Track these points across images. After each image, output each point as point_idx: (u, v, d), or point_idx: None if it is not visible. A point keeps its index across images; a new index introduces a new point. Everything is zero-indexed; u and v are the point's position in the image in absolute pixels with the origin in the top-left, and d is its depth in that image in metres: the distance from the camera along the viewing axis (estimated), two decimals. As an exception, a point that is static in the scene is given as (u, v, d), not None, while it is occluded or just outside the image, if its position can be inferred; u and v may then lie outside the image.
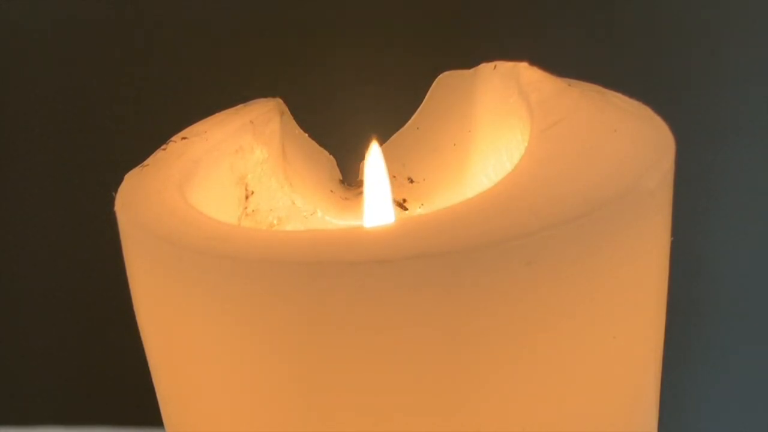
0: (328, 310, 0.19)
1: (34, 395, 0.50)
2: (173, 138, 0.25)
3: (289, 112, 0.27)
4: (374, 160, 0.26)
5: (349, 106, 0.39)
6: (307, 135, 0.27)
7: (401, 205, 0.28)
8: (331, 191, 0.27)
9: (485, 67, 0.26)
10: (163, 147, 0.24)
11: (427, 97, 0.27)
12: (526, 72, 0.24)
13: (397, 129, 0.28)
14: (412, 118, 0.27)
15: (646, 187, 0.20)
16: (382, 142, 0.27)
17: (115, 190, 0.23)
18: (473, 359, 0.19)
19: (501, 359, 0.19)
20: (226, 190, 0.25)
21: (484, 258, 0.18)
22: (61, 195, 0.45)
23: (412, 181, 0.28)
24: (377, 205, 0.26)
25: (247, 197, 0.26)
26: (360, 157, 0.28)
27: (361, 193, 0.27)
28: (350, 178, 0.28)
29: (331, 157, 0.28)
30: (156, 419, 0.24)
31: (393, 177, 0.28)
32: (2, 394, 0.50)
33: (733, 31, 0.39)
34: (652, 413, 0.23)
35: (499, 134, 0.26)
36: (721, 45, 0.39)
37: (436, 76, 0.27)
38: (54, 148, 0.45)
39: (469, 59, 0.26)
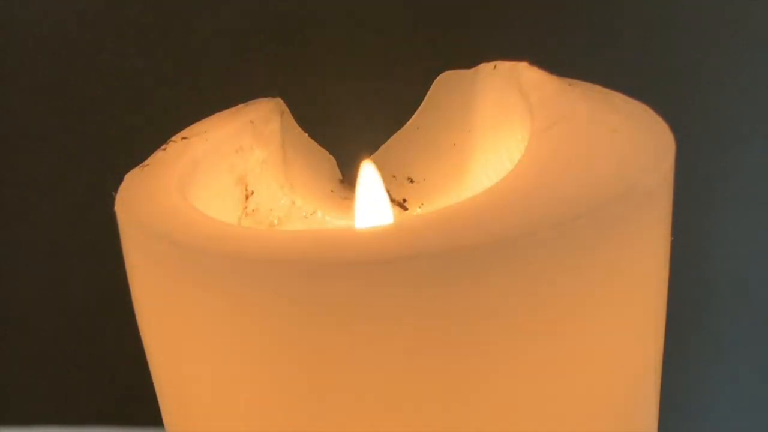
0: (328, 310, 0.19)
1: (34, 395, 0.50)
2: (173, 138, 0.25)
3: (289, 112, 0.27)
4: (368, 178, 0.26)
5: (349, 106, 0.39)
6: (307, 135, 0.27)
7: (401, 205, 0.28)
8: (332, 191, 0.27)
9: (485, 67, 0.26)
10: (163, 147, 0.24)
11: (427, 96, 0.27)
12: (526, 72, 0.24)
13: (397, 129, 0.28)
14: (412, 117, 0.27)
15: (646, 187, 0.20)
16: (380, 144, 0.27)
17: (115, 190, 0.23)
18: (472, 359, 0.19)
19: (500, 359, 0.19)
20: (226, 189, 0.25)
21: (483, 258, 0.18)
22: (61, 195, 0.45)
23: (412, 181, 0.28)
24: (374, 210, 0.26)
25: (247, 197, 0.26)
26: (360, 156, 0.28)
27: (361, 193, 0.27)
28: (350, 178, 0.28)
29: (331, 157, 0.28)
30: (156, 419, 0.24)
31: (393, 177, 0.28)
32: (2, 394, 0.50)
33: (734, 31, 0.39)
34: (652, 413, 0.23)
35: (500, 134, 0.26)
36: (721, 45, 0.39)
37: (436, 76, 0.27)
38: (54, 148, 0.45)
39: (469, 59, 0.26)
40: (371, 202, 0.26)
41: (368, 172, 0.26)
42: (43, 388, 0.50)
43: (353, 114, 0.38)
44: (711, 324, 0.44)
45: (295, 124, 0.27)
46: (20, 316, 0.48)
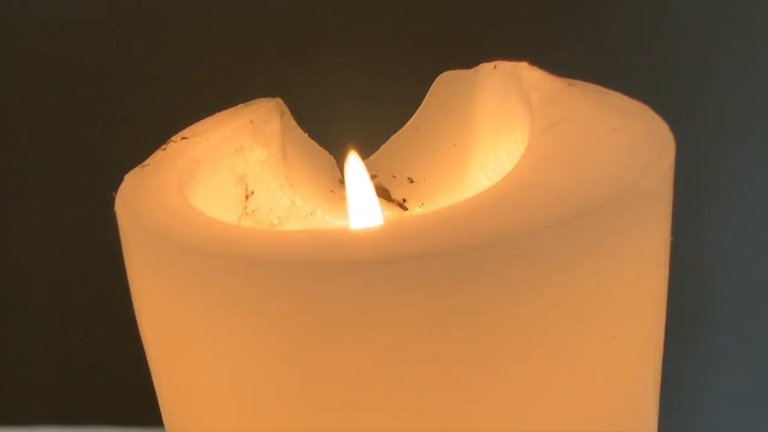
0: (328, 310, 0.19)
1: (34, 395, 0.50)
2: (173, 138, 0.25)
3: (289, 112, 0.27)
4: (354, 170, 0.26)
5: (349, 105, 0.39)
6: (307, 135, 0.27)
7: (401, 205, 0.28)
8: (331, 191, 0.27)
9: (485, 67, 0.26)
10: (163, 147, 0.24)
11: (427, 96, 0.27)
12: (526, 72, 0.24)
13: (397, 129, 0.28)
14: (412, 117, 0.27)
15: (646, 186, 0.20)
16: (380, 144, 0.27)
17: (116, 190, 0.23)
18: (472, 359, 0.19)
19: (500, 359, 0.19)
20: (226, 190, 0.25)
21: (484, 257, 0.18)
22: (61, 195, 0.45)
23: (412, 181, 0.28)
24: (364, 209, 0.26)
25: (247, 197, 0.26)
26: (360, 157, 0.28)
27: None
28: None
29: (331, 157, 0.28)
30: (156, 419, 0.24)
31: (393, 177, 0.28)
32: (2, 394, 0.50)
33: (734, 31, 0.39)
34: (652, 413, 0.23)
35: (500, 134, 0.26)
36: (721, 45, 0.39)
37: (436, 76, 0.27)
38: (54, 148, 0.45)
39: (469, 59, 0.26)
40: (362, 197, 0.26)
41: (354, 167, 0.26)
42: (43, 388, 0.50)
43: (353, 114, 0.38)
44: (711, 324, 0.44)
45: (295, 124, 0.27)
46: (20, 316, 0.48)
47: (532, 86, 0.23)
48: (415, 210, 0.28)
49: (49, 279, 0.47)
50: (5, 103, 0.44)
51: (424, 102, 0.27)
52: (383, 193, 0.27)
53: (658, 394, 0.24)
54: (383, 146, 0.28)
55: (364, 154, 0.27)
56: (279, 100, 0.27)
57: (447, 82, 0.27)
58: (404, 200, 0.28)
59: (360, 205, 0.26)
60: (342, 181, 0.28)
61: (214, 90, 0.41)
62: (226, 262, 0.19)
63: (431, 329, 0.19)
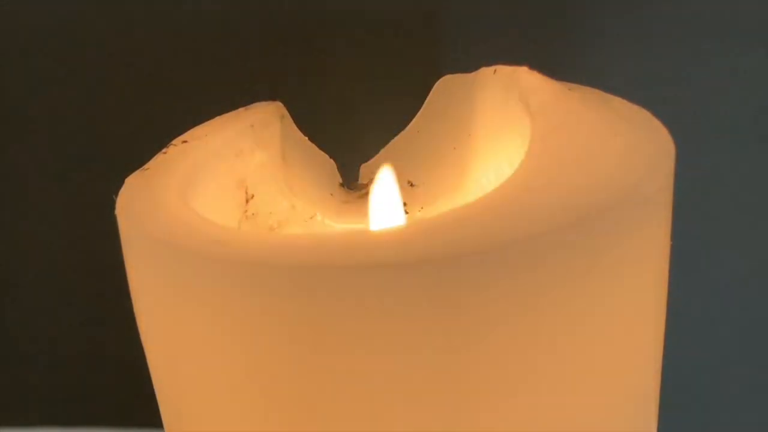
0: (328, 314, 0.19)
1: (34, 395, 0.50)
2: (174, 141, 0.25)
3: (289, 116, 0.27)
4: (385, 182, 0.26)
5: (350, 109, 0.39)
6: (307, 138, 0.27)
7: (401, 208, 0.28)
8: (331, 194, 0.27)
9: (485, 71, 0.26)
10: (163, 150, 0.24)
11: (427, 100, 0.27)
12: (526, 76, 0.24)
13: (398, 132, 0.28)
14: (413, 121, 0.27)
15: (645, 192, 0.20)
16: (380, 147, 0.27)
17: (116, 194, 0.23)
18: (474, 362, 0.19)
19: (501, 362, 0.19)
20: (226, 193, 0.25)
21: (483, 262, 0.18)
22: (61, 198, 0.45)
23: (412, 185, 0.28)
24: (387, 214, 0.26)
25: (247, 201, 0.26)
26: (360, 160, 0.28)
27: (361, 196, 0.27)
28: (350, 182, 0.28)
29: (331, 160, 0.28)
30: (156, 420, 0.24)
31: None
32: (2, 394, 0.50)
33: (735, 37, 0.39)
34: (652, 417, 0.23)
35: (500, 138, 0.26)
36: (721, 50, 0.39)
37: (436, 80, 0.27)
38: (54, 151, 0.45)
39: (469, 63, 0.26)
40: (385, 207, 0.26)
41: (385, 177, 0.26)
42: (43, 389, 0.50)
43: (353, 117, 0.38)
44: (710, 326, 0.44)
45: (295, 127, 0.27)
46: (21, 316, 0.48)
47: (532, 91, 0.23)
48: (415, 214, 0.28)
49: (50, 281, 0.47)
50: (4, 106, 0.44)
51: (424, 105, 0.27)
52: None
53: (657, 398, 0.24)
54: (383, 150, 0.28)
55: (365, 158, 0.27)
56: (279, 104, 0.27)
57: (447, 85, 0.27)
58: (404, 204, 0.28)
59: (382, 213, 0.26)
60: (342, 185, 0.28)
61: (214, 93, 0.41)
62: (225, 265, 0.19)
63: (431, 334, 0.19)
